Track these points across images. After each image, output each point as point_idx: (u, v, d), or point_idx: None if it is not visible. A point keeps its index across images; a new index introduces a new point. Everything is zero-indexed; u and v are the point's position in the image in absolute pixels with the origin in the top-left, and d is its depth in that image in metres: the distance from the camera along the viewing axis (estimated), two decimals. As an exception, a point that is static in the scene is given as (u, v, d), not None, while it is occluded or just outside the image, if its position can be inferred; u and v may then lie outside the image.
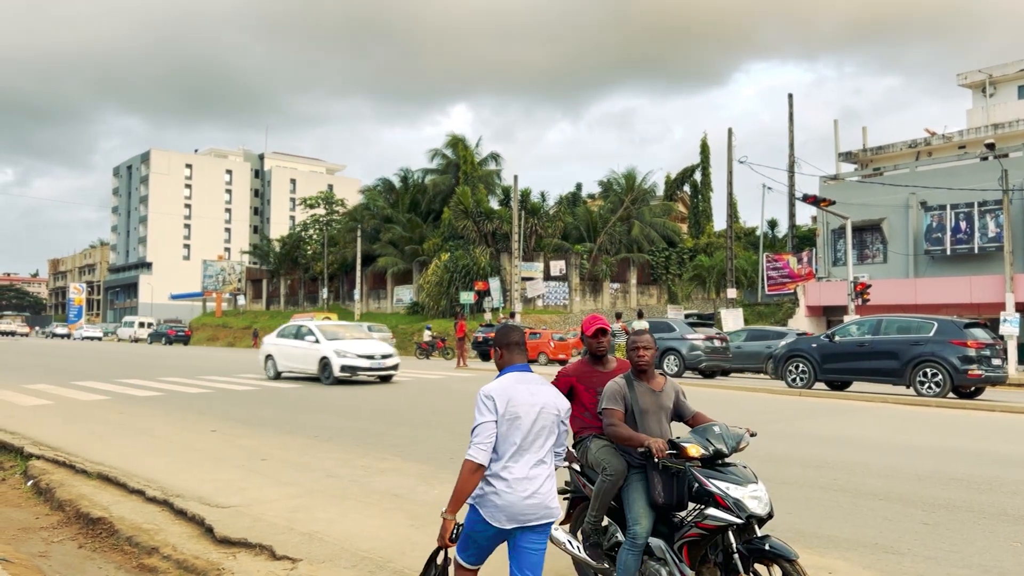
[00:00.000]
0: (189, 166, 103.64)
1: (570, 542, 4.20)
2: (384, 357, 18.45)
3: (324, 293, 55.76)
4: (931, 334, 15.66)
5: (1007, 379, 17.37)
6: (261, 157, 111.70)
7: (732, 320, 31.89)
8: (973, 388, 15.88)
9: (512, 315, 37.69)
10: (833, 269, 32.06)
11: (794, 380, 17.25)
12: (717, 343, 21.99)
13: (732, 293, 34.85)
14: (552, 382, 4.39)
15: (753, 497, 3.56)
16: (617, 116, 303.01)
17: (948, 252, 28.86)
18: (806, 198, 25.45)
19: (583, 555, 4.11)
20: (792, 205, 38.68)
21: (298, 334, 19.53)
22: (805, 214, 46.32)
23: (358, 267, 50.10)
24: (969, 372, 15.05)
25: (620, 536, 4.06)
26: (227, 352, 41.99)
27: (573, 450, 4.40)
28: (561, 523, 4.46)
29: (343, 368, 17.76)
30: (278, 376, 19.44)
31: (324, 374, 18.02)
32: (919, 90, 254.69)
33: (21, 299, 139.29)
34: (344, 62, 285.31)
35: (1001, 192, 25.65)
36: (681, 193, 55.67)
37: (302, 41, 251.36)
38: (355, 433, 10.37)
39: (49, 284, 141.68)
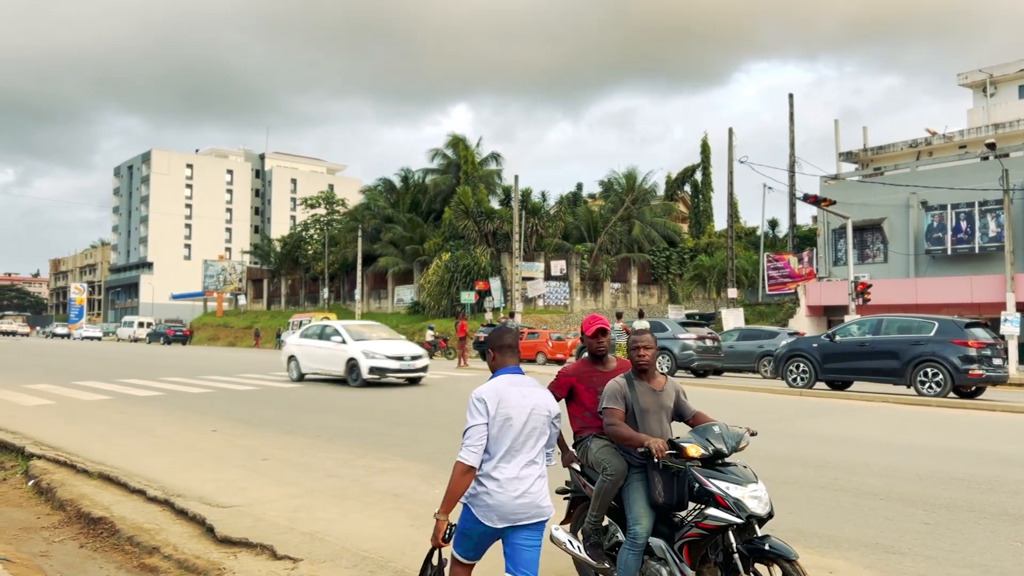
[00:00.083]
0: (190, 166, 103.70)
1: (570, 542, 4.21)
2: (414, 358, 17.70)
3: (325, 293, 55.79)
4: (932, 334, 15.67)
5: (1008, 379, 17.37)
6: (262, 157, 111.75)
7: (733, 320, 31.91)
8: (974, 388, 15.88)
9: (512, 315, 37.70)
10: (834, 269, 32.05)
11: (795, 380, 17.25)
12: (708, 343, 22.10)
13: (733, 293, 34.86)
14: (553, 382, 4.41)
15: (753, 497, 3.56)
16: (617, 116, 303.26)
17: (949, 252, 28.85)
18: (807, 198, 25.45)
19: (584, 555, 4.12)
20: (793, 205, 38.65)
21: (323, 334, 18.73)
22: (806, 214, 46.37)
23: (359, 267, 50.13)
24: (970, 372, 15.06)
25: (620, 536, 4.07)
26: (228, 352, 42.01)
27: (573, 450, 4.41)
28: (561, 523, 4.47)
29: (372, 370, 17.01)
30: (302, 378, 18.81)
31: (352, 376, 17.32)
32: (919, 90, 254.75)
33: (22, 299, 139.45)
34: (344, 62, 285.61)
35: (1002, 192, 25.64)
36: (682, 193, 55.68)
37: (302, 41, 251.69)
38: (356, 433, 10.38)
39: (50, 284, 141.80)
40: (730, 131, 34.95)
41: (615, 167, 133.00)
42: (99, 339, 66.88)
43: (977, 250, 28.19)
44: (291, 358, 19.18)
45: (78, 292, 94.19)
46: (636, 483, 3.93)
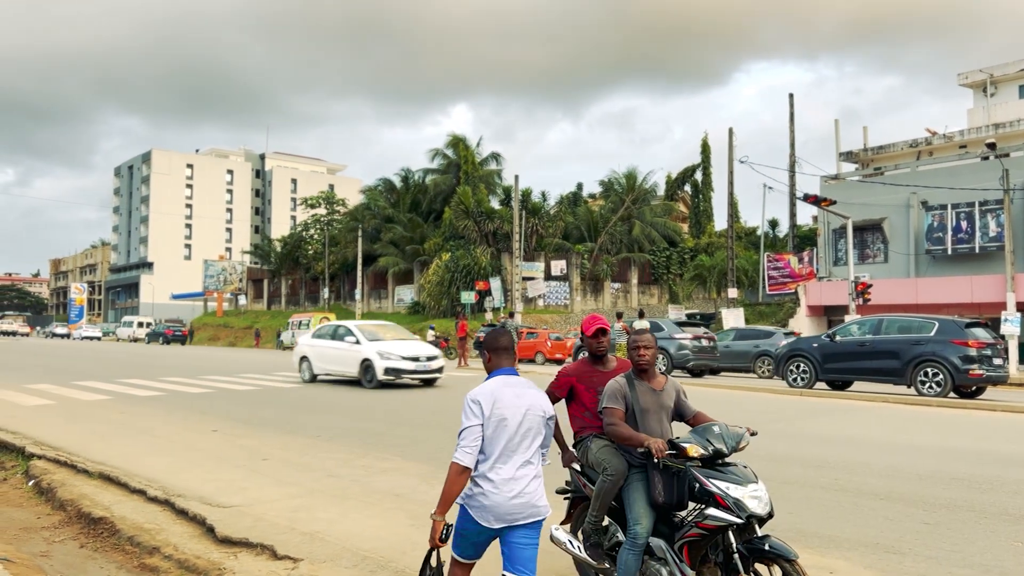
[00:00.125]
0: (190, 166, 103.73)
1: (571, 542, 4.21)
2: (429, 359, 17.34)
3: (325, 293, 55.80)
4: (932, 334, 15.67)
5: (1008, 379, 17.38)
6: (262, 157, 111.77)
7: (733, 320, 31.90)
8: (974, 388, 15.88)
9: (512, 315, 37.70)
10: (834, 269, 32.05)
11: (795, 380, 17.26)
12: (705, 342, 22.14)
13: (733, 293, 34.85)
14: (553, 381, 4.41)
15: (753, 497, 3.56)
16: (617, 116, 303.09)
17: (949, 252, 28.85)
18: (807, 198, 25.46)
19: (584, 555, 4.12)
20: (793, 205, 38.64)
21: (336, 335, 18.42)
22: (806, 214, 46.38)
23: (359, 267, 50.13)
24: (970, 372, 15.06)
25: (621, 536, 4.07)
26: (228, 352, 42.02)
27: (573, 450, 4.41)
28: (561, 523, 4.48)
29: (387, 371, 16.70)
30: (314, 379, 18.57)
31: (366, 377, 17.01)
32: (919, 90, 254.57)
33: (22, 299, 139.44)
34: (344, 62, 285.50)
35: (1002, 192, 25.64)
36: (682, 193, 55.68)
37: (302, 41, 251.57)
38: (356, 433, 10.38)
39: (50, 284, 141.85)
40: (730, 131, 34.96)
41: (615, 167, 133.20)
42: (99, 339, 66.91)
43: (977, 250, 28.19)
44: (303, 359, 18.85)
45: (78, 292, 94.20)
46: (636, 483, 3.94)
